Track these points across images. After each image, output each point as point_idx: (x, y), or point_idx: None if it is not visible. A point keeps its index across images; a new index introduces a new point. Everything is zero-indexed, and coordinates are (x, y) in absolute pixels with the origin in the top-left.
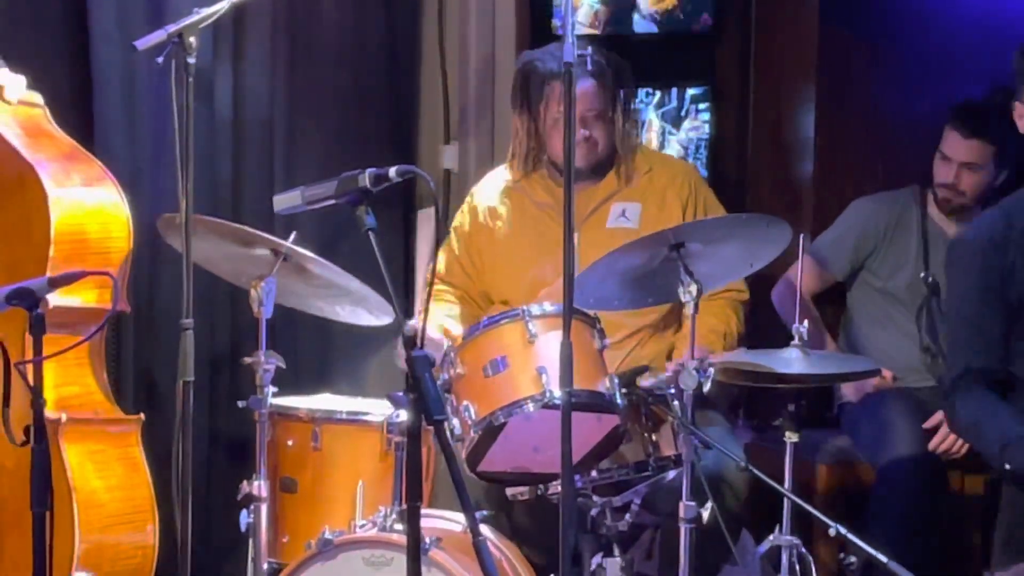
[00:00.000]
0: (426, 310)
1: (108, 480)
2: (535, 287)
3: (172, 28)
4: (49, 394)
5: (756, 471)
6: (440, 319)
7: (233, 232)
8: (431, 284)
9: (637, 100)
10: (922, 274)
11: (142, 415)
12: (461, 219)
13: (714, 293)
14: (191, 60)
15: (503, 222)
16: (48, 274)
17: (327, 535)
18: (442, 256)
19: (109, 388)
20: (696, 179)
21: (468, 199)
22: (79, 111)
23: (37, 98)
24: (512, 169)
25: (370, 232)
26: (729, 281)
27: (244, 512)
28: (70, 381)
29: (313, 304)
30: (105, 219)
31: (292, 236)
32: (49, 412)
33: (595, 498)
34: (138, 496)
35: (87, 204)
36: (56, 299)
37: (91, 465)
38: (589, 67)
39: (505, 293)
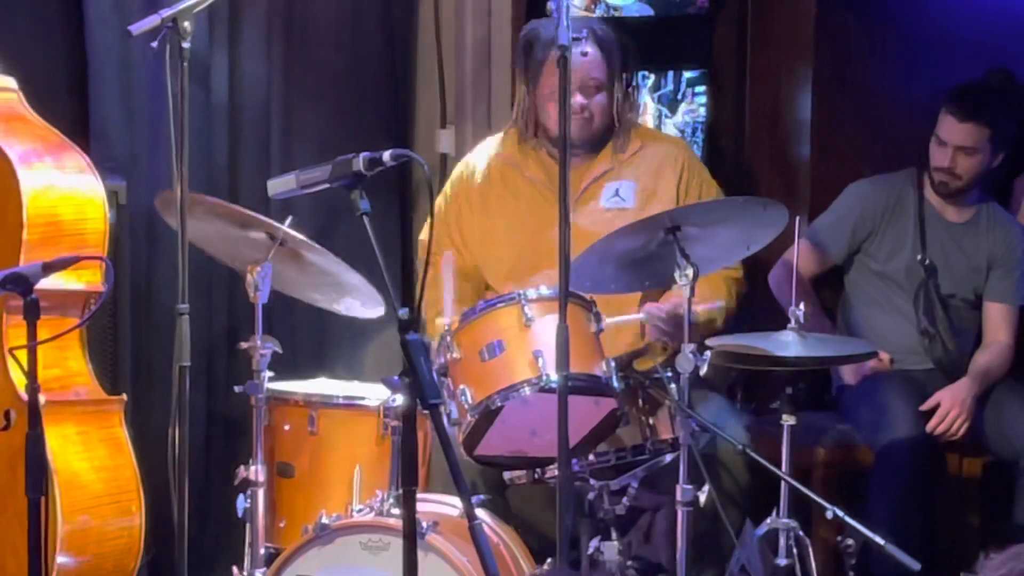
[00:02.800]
0: (422, 286)
1: (91, 461)
2: (524, 265)
3: (167, 13)
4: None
5: (754, 454)
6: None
7: (230, 213)
8: (426, 262)
9: (638, 85)
10: (919, 256)
11: (124, 396)
12: (451, 191)
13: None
14: (186, 45)
15: (494, 199)
16: (23, 257)
17: (324, 520)
18: (427, 230)
19: (91, 368)
20: (689, 154)
21: (459, 171)
22: (75, 96)
23: (10, 82)
24: (507, 140)
25: (364, 216)
26: (726, 263)
27: (241, 497)
28: (50, 363)
29: (308, 295)
30: (79, 202)
31: (288, 220)
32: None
33: (592, 482)
34: (122, 477)
35: (60, 188)
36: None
37: (73, 447)
38: (594, 37)
39: (494, 270)
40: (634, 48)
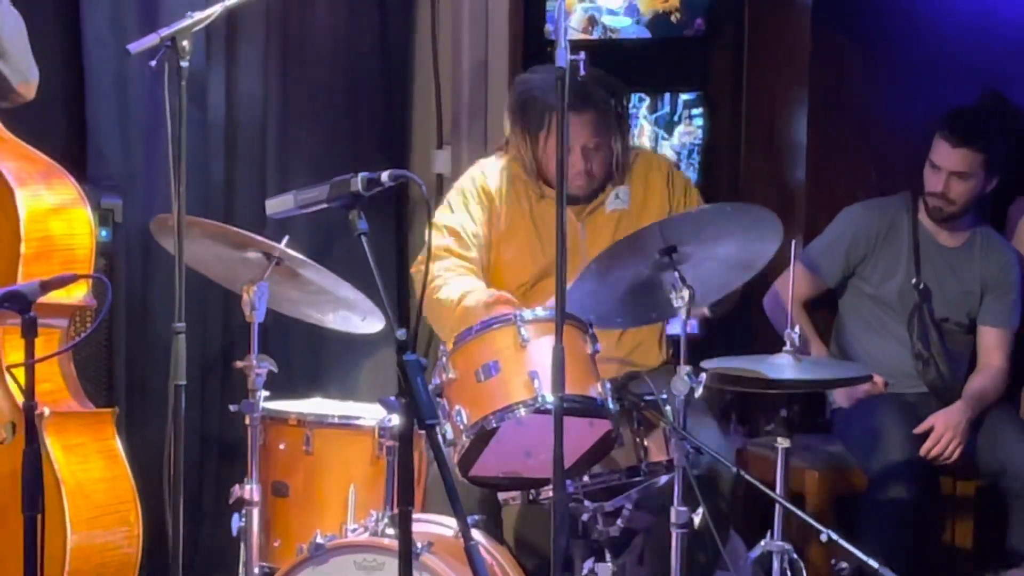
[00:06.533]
0: (419, 313)
1: (90, 472)
2: (527, 270)
3: (165, 32)
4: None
5: (748, 476)
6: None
7: (225, 234)
8: (424, 286)
9: (631, 116)
10: (913, 280)
11: (116, 408)
12: (472, 187)
13: None
14: (184, 64)
15: (506, 207)
16: (21, 270)
17: (319, 539)
18: (447, 231)
19: (78, 383)
20: (669, 163)
21: (476, 173)
22: (72, 114)
23: None
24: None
25: (362, 236)
26: (730, 287)
27: (236, 516)
28: (42, 378)
29: (304, 311)
30: (68, 217)
31: (285, 240)
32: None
33: (587, 503)
34: (119, 487)
35: (49, 203)
36: None
37: (74, 458)
38: (591, 99)
39: (504, 277)
40: (622, 85)
